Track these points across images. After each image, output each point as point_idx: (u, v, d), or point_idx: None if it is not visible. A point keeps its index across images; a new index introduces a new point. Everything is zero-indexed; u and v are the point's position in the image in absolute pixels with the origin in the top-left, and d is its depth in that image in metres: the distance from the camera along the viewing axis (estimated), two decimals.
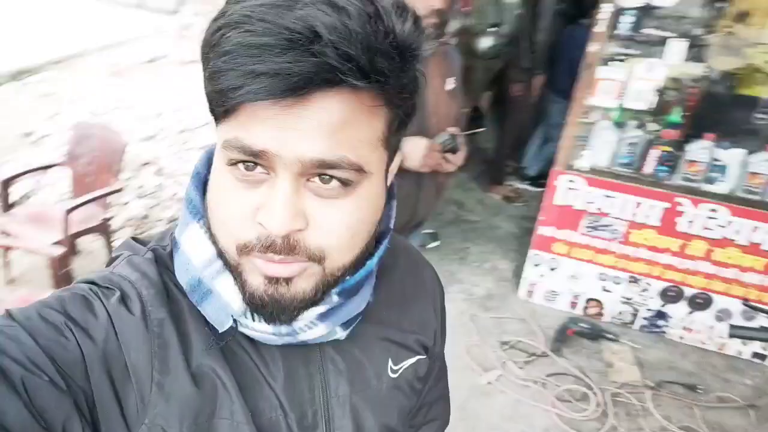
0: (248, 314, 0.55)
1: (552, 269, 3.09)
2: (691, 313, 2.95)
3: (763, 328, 1.46)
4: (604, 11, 2.49)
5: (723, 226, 2.70)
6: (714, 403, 2.66)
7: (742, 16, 2.56)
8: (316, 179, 0.48)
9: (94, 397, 0.51)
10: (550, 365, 2.79)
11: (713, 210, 2.68)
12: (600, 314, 3.12)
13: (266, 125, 0.46)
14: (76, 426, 0.49)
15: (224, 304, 0.55)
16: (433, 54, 1.77)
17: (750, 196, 2.64)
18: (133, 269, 0.57)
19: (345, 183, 0.49)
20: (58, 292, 0.55)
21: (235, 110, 0.47)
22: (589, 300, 3.11)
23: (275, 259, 0.50)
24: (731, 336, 1.45)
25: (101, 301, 0.54)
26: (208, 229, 0.55)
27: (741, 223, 2.66)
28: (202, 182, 0.58)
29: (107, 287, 0.56)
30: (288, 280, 0.51)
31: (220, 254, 0.54)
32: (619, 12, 2.52)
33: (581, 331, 2.96)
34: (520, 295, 3.25)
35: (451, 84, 1.85)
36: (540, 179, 4.19)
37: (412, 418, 0.78)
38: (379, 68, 0.45)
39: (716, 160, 2.64)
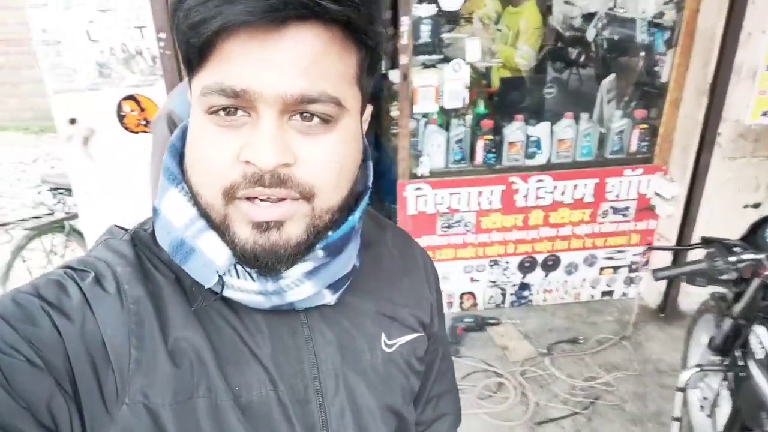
0: (233, 271, 0.54)
1: None
2: (546, 276, 3.23)
3: (680, 265, 1.62)
4: (404, 23, 2.58)
5: (551, 192, 3.01)
6: (596, 348, 2.94)
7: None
8: (297, 116, 0.49)
9: (75, 377, 0.49)
10: (458, 369, 2.77)
11: (540, 180, 2.97)
12: (475, 305, 3.24)
13: (245, 63, 0.46)
14: (61, 405, 0.48)
15: (208, 261, 0.54)
16: None
17: (564, 161, 3.00)
18: (109, 250, 0.57)
19: (325, 119, 0.49)
20: (34, 279, 0.54)
21: (212, 51, 0.47)
22: (462, 294, 3.21)
23: (262, 204, 0.50)
24: (657, 279, 1.58)
25: (75, 282, 0.53)
26: (188, 193, 0.54)
27: (564, 185, 3.00)
28: (178, 153, 0.57)
29: (82, 269, 0.55)
30: (279, 225, 0.51)
31: (203, 214, 0.53)
32: (417, 22, 2.64)
33: (468, 326, 3.04)
34: None
35: None
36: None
37: (422, 413, 0.76)
38: None
39: (530, 136, 2.93)
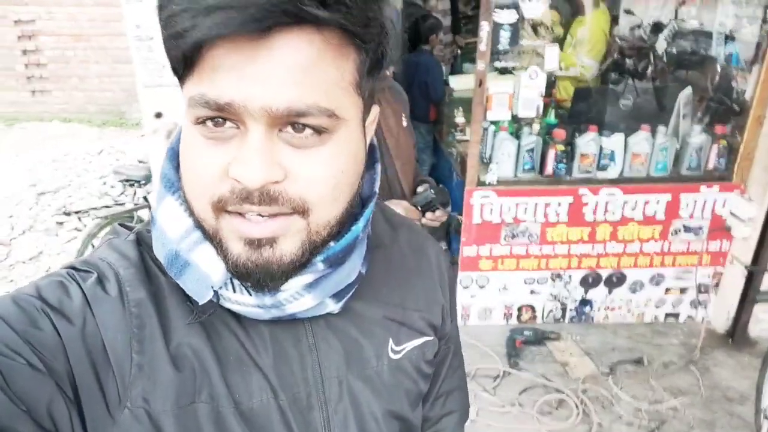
0: (229, 286, 0.53)
1: (481, 287, 3.08)
2: (609, 293, 3.14)
3: None
4: (483, 29, 2.56)
5: (620, 207, 2.93)
6: (661, 370, 2.84)
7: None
8: (289, 128, 0.46)
9: (76, 380, 0.48)
10: (516, 382, 2.74)
11: (611, 194, 2.90)
12: (533, 317, 3.18)
13: (229, 75, 0.43)
14: (62, 409, 0.47)
15: (203, 275, 0.52)
16: (381, 90, 1.61)
17: (636, 175, 2.91)
18: (113, 251, 0.56)
19: (319, 131, 0.46)
20: (36, 280, 0.53)
21: (195, 61, 0.44)
22: (521, 307, 3.15)
23: (253, 219, 0.47)
24: (758, 301, 1.50)
25: (77, 283, 0.52)
26: (184, 201, 0.52)
27: (635, 200, 2.91)
28: (176, 157, 0.54)
29: (85, 270, 0.54)
30: (271, 242, 0.49)
31: (198, 225, 0.51)
32: (496, 28, 2.62)
33: (527, 339, 2.97)
34: None
35: (405, 120, 1.70)
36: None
37: (429, 409, 0.75)
38: (344, 0, 0.43)
39: (603, 148, 2.86)
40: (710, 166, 2.94)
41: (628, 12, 5.22)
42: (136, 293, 0.53)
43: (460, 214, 2.91)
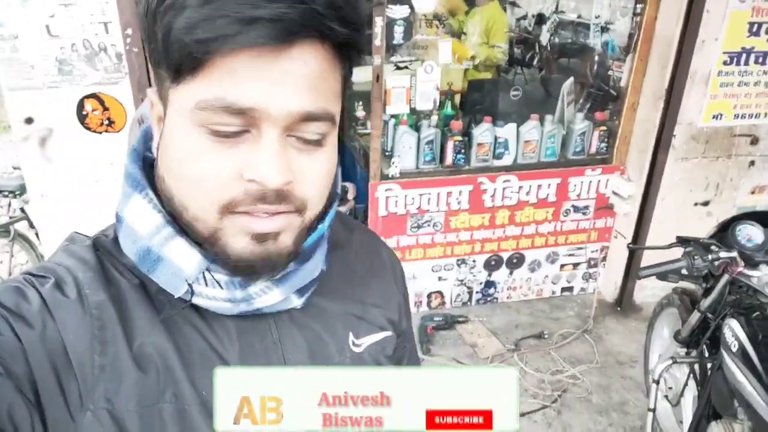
0: (201, 279, 0.54)
1: None
2: (511, 273, 3.31)
3: (662, 264, 1.70)
4: (378, 25, 2.57)
5: (516, 192, 3.09)
6: (561, 342, 3.04)
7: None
8: (295, 133, 0.49)
9: (37, 384, 0.49)
10: (429, 367, 2.82)
11: (507, 180, 3.04)
12: (443, 303, 3.28)
13: (251, 80, 0.45)
14: (22, 413, 0.47)
15: (176, 269, 0.53)
16: None
17: (529, 161, 3.08)
18: (69, 256, 0.56)
19: (321, 134, 0.50)
20: None
21: (210, 64, 0.45)
22: (430, 294, 3.24)
23: (261, 215, 0.50)
24: (641, 277, 1.65)
25: (35, 288, 0.52)
26: (152, 199, 0.54)
27: (529, 185, 3.08)
28: (140, 158, 0.57)
29: (41, 275, 0.54)
30: (275, 236, 0.51)
31: (170, 221, 0.53)
32: (390, 23, 2.64)
33: (438, 325, 3.07)
34: None
35: None
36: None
37: None
38: (356, 20, 0.48)
39: (498, 138, 2.99)
40: (593, 150, 3.17)
41: (513, 4, 5.51)
42: (96, 296, 0.53)
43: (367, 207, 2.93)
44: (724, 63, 2.84)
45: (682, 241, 1.76)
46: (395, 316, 0.72)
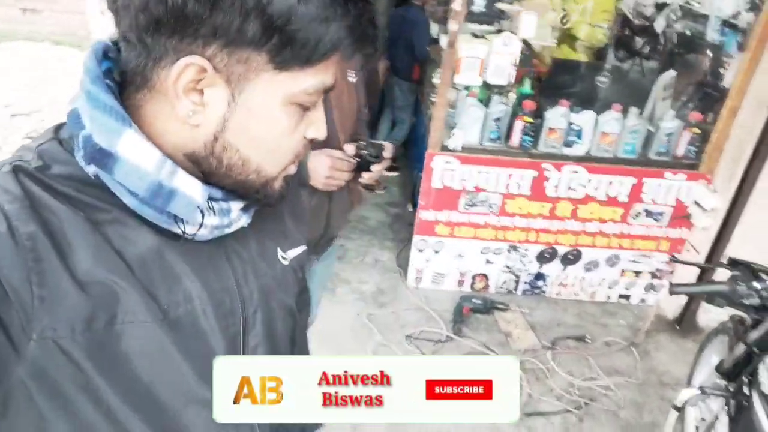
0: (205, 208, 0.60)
1: (436, 252, 3.08)
2: (564, 269, 3.15)
3: (699, 283, 1.54)
4: None
5: (584, 185, 2.90)
6: (602, 349, 2.87)
7: None
8: None
9: None
10: (456, 348, 2.78)
11: (575, 171, 2.86)
12: (486, 287, 3.19)
13: (334, 71, 0.60)
14: None
15: (189, 200, 0.58)
16: None
17: (603, 155, 2.87)
18: None
19: None
20: None
21: (324, 61, 0.57)
22: (474, 275, 3.16)
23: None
24: (673, 293, 1.50)
25: None
26: (142, 134, 0.57)
27: (599, 180, 2.88)
28: (113, 89, 0.57)
29: None
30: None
31: (167, 156, 0.58)
32: None
33: (475, 307, 2.99)
34: (409, 283, 3.19)
35: (353, 76, 1.64)
36: (393, 162, 4.18)
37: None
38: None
39: (572, 124, 2.80)
40: (680, 152, 2.89)
41: None
42: (26, 227, 0.52)
43: None
44: None
45: (734, 263, 1.57)
46: (306, 233, 0.82)
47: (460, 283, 3.18)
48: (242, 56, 0.54)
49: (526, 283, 3.19)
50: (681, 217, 2.96)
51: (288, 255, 0.76)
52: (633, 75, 3.30)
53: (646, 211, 2.96)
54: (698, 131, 2.84)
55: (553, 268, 3.14)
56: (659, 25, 4.46)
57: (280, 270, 0.74)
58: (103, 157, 0.55)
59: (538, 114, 2.81)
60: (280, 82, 0.56)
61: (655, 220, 2.98)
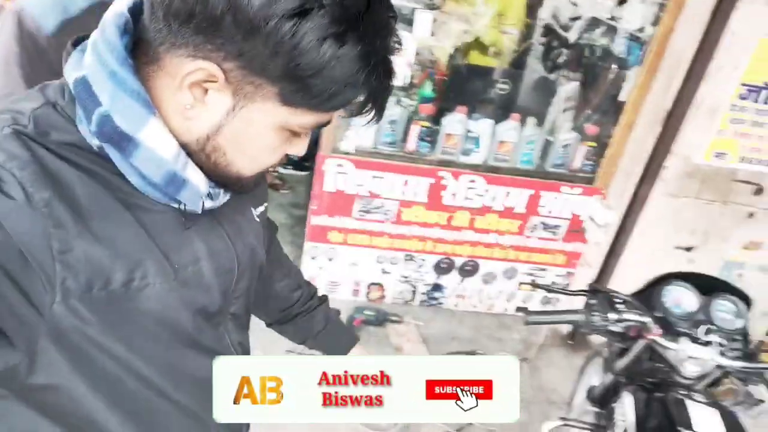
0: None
1: (330, 259, 2.90)
2: (462, 281, 3.05)
3: (555, 312, 1.44)
4: None
5: (481, 195, 2.80)
6: None
7: None
8: None
9: None
10: None
11: (472, 181, 2.76)
12: (382, 297, 3.05)
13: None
14: None
15: (196, 190, 0.64)
16: None
17: (501, 164, 2.78)
18: None
19: None
20: None
21: (335, 111, 0.63)
22: (370, 285, 3.01)
23: None
24: (527, 324, 1.39)
25: None
26: (164, 123, 0.60)
27: (496, 191, 2.79)
28: (132, 67, 0.58)
29: None
30: None
31: (182, 147, 0.62)
32: None
33: (367, 319, 2.85)
34: None
35: None
36: (304, 162, 3.98)
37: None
38: None
39: (469, 131, 2.69)
40: (576, 165, 2.84)
41: None
42: (41, 193, 0.54)
43: None
44: (741, 97, 2.46)
45: (594, 291, 1.48)
46: (266, 190, 0.90)
47: (356, 292, 3.02)
48: (256, 81, 0.57)
49: (423, 293, 3.07)
50: (576, 230, 2.92)
51: (257, 211, 0.84)
52: (540, 85, 3.25)
53: (543, 224, 2.90)
54: (594, 144, 2.80)
55: (450, 279, 3.03)
56: (572, 36, 4.49)
57: (256, 227, 0.82)
58: (122, 140, 0.58)
59: (437, 120, 2.69)
60: (282, 112, 0.59)
61: (552, 233, 2.93)
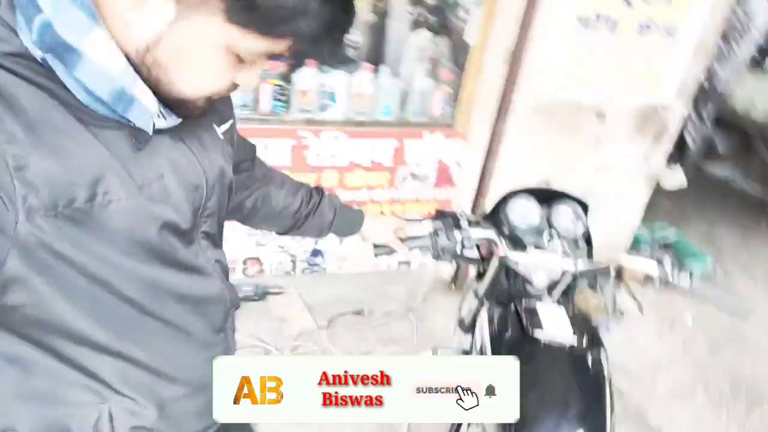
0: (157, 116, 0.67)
1: None
2: (341, 242, 2.99)
3: (429, 235, 1.44)
4: None
5: (347, 152, 2.74)
6: (382, 320, 2.78)
7: None
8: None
9: None
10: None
11: (335, 138, 2.69)
12: (261, 271, 2.92)
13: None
14: None
15: (145, 109, 0.63)
16: None
17: (361, 117, 2.73)
18: None
19: None
20: None
21: (284, 39, 0.61)
22: (246, 260, 2.87)
23: None
24: (376, 256, 1.36)
25: None
26: (110, 37, 0.58)
27: (360, 145, 2.74)
28: None
29: None
30: None
31: (130, 62, 0.60)
32: None
33: (245, 296, 2.71)
34: None
35: None
36: None
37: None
38: None
39: (323, 86, 2.61)
40: (437, 112, 2.86)
41: None
42: None
43: None
44: (575, 29, 2.59)
45: (441, 214, 1.48)
46: (232, 108, 0.91)
47: (231, 271, 2.86)
48: None
49: (303, 261, 2.98)
50: (445, 176, 2.96)
51: (221, 128, 0.83)
52: (392, 34, 3.21)
53: (412, 174, 2.91)
54: (450, 90, 2.83)
55: (328, 242, 2.96)
56: None
57: (221, 145, 0.82)
58: (64, 51, 0.56)
59: (286, 77, 2.57)
60: (228, 31, 0.58)
61: (422, 182, 2.94)
